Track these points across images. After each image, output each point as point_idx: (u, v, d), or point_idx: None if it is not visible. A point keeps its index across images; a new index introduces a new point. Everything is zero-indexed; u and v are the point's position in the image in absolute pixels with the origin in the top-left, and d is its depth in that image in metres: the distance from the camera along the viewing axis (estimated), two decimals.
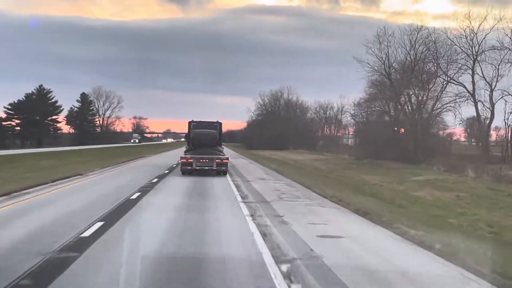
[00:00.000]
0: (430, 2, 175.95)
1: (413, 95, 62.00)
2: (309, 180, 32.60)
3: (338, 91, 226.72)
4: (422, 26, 68.01)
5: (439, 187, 32.30)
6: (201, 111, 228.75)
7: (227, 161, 35.19)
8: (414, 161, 57.74)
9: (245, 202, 20.74)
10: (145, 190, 24.82)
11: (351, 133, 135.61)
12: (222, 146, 38.88)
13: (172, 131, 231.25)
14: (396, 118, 65.12)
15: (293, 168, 48.41)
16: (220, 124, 38.43)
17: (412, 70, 64.31)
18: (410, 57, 65.68)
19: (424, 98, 62.76)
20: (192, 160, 33.97)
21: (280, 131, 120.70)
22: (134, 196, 22.07)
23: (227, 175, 34.78)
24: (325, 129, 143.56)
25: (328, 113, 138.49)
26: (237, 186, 27.79)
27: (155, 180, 30.63)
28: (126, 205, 19.09)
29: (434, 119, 65.53)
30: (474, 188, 33.67)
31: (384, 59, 66.37)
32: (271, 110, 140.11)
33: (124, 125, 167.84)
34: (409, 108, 63.87)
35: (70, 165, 42.32)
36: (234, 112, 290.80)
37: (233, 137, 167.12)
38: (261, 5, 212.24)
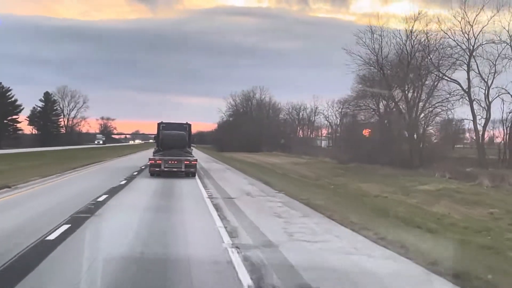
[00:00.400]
0: (399, 5, 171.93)
1: (409, 91, 54.99)
2: (306, 194, 25.45)
3: (311, 92, 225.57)
4: (419, 14, 60.57)
5: (458, 200, 27.09)
6: (171, 112, 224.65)
7: (195, 162, 35.40)
8: (410, 166, 51.01)
9: (239, 252, 12.17)
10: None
11: (324, 134, 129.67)
12: (192, 148, 39.42)
13: (141, 132, 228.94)
14: (389, 118, 58.08)
15: (277, 176, 41.16)
16: (190, 125, 38.86)
17: (408, 63, 57.32)
18: (406, 48, 58.61)
19: (422, 96, 55.84)
20: (160, 162, 34.19)
21: (253, 133, 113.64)
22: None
23: (204, 190, 27.52)
24: (298, 130, 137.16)
25: (301, 114, 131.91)
26: (219, 209, 19.90)
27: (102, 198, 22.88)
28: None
29: (432, 119, 58.65)
30: (503, 201, 27.65)
31: (377, 50, 58.98)
32: (243, 111, 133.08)
33: (90, 126, 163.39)
34: (404, 106, 56.89)
35: (15, 170, 36.16)
36: (205, 114, 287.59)
37: (203, 139, 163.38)
38: (230, 6, 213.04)
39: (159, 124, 37.96)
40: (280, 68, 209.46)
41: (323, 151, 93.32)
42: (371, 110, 61.32)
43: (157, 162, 34.23)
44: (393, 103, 57.74)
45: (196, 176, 35.44)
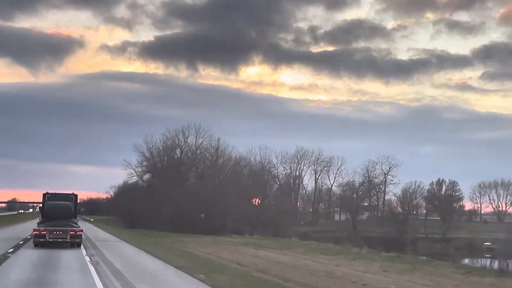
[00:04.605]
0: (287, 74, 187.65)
1: None
2: None
3: None
4: None
5: None
6: (55, 180, 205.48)
7: (81, 233, 36.36)
8: None
9: None
10: None
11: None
12: (78, 219, 41.22)
13: (20, 200, 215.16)
14: None
15: None
16: (76, 196, 40.39)
17: None
18: None
19: None
20: (45, 232, 34.93)
21: (199, 200, 67.62)
22: None
23: None
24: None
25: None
26: None
27: None
28: None
29: None
30: None
31: None
32: (169, 164, 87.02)
33: None
34: None
35: None
36: (94, 182, 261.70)
37: (98, 207, 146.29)
38: (115, 71, 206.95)
39: (44, 195, 39.34)
40: None
41: None
42: None
43: (42, 232, 34.91)
44: None
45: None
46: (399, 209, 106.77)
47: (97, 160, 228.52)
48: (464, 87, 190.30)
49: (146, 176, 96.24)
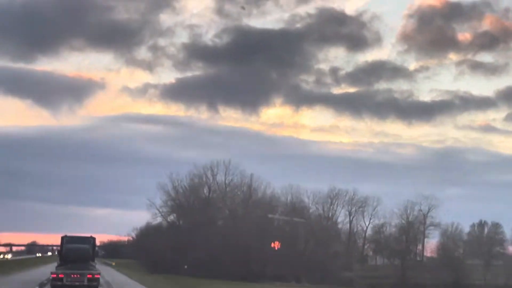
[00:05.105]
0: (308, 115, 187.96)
1: None
2: None
3: None
4: None
5: None
6: (75, 223, 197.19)
7: (98, 276, 36.73)
8: None
9: None
10: None
11: None
12: (96, 262, 40.95)
13: (40, 243, 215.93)
14: None
15: None
16: (94, 238, 40.00)
17: None
18: None
19: None
20: (62, 276, 35.42)
21: (233, 242, 60.75)
22: None
23: None
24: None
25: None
26: None
27: None
28: None
29: None
30: None
31: None
32: (197, 203, 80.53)
33: None
34: None
35: None
36: (115, 225, 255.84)
37: (119, 251, 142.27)
38: (136, 113, 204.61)
39: (62, 238, 38.70)
40: None
41: None
42: None
43: (59, 276, 35.32)
44: None
45: None
46: (443, 252, 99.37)
47: (117, 202, 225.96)
48: (487, 128, 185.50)
49: (171, 217, 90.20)
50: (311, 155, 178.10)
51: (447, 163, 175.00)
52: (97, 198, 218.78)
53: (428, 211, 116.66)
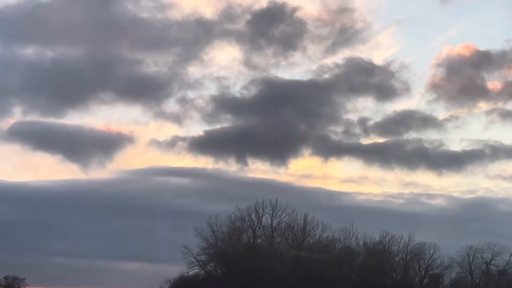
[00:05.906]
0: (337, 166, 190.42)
1: None
2: None
3: None
4: None
5: None
6: (105, 277, 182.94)
7: None
8: None
9: None
10: None
11: None
12: None
13: None
14: None
15: None
16: None
17: None
18: None
19: None
20: None
21: None
22: None
23: None
24: None
25: None
26: None
27: None
28: None
29: None
30: None
31: None
32: (239, 249, 70.46)
33: None
34: None
35: None
36: (145, 279, 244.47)
37: None
38: (165, 166, 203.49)
39: None
40: None
41: None
42: None
43: None
44: None
45: None
46: None
47: (147, 256, 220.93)
48: None
49: (210, 266, 80.00)
50: (341, 206, 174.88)
51: (478, 213, 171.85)
52: (126, 251, 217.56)
53: (491, 259, 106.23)
